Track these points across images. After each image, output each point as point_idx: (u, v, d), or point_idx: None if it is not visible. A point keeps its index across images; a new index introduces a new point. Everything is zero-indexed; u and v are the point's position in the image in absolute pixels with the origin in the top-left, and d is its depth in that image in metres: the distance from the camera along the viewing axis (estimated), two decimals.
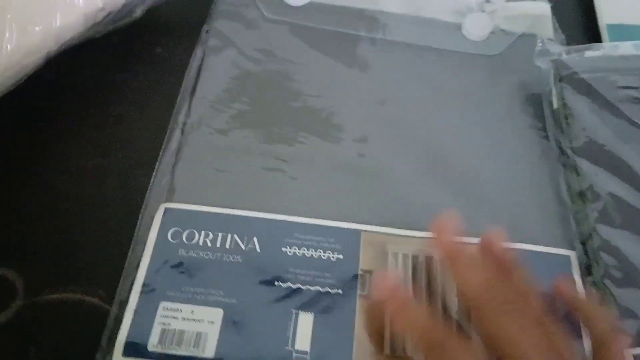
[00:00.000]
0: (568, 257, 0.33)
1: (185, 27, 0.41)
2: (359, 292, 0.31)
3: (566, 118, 0.36)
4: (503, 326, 0.24)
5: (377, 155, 0.36)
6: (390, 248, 0.32)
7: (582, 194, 0.34)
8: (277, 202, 0.33)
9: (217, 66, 0.39)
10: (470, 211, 0.33)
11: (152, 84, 0.39)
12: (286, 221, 0.33)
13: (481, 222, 0.33)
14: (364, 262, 0.32)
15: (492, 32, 0.41)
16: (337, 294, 0.31)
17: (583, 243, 0.33)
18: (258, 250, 0.32)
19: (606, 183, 0.34)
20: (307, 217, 0.33)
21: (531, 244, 0.33)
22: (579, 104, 0.36)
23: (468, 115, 0.38)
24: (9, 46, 0.31)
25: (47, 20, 0.33)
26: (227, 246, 0.32)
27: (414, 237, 0.33)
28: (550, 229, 0.34)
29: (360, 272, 0.31)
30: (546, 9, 0.42)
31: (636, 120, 0.36)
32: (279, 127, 0.36)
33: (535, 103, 0.39)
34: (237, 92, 0.37)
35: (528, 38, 0.41)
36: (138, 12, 0.38)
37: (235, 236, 0.32)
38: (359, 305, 0.30)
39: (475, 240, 0.28)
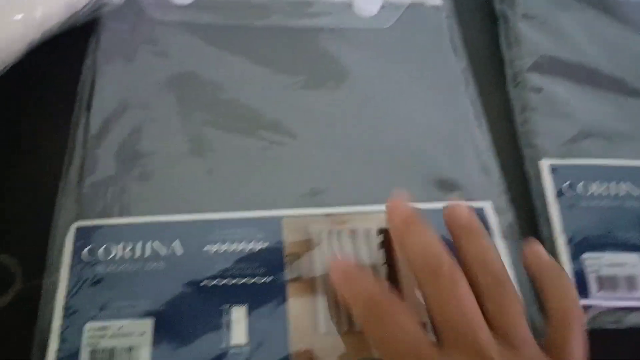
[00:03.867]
0: (482, 209, 0.34)
1: None
2: (287, 277, 0.31)
3: None
4: (445, 294, 0.25)
5: (290, 140, 0.36)
6: (311, 228, 0.32)
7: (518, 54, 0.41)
8: (195, 202, 0.33)
9: (110, 76, 0.37)
10: (385, 180, 0.34)
11: None
12: (206, 220, 0.32)
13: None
14: (289, 246, 0.32)
15: (382, 7, 0.42)
16: (266, 282, 0.31)
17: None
18: (179, 253, 0.31)
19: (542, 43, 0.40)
20: (226, 212, 0.33)
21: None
22: None
23: (376, 92, 0.39)
24: None
25: (28, 9, 0.33)
26: (147, 254, 0.31)
27: (333, 214, 0.33)
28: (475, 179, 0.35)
29: (286, 257, 0.31)
30: None
31: None
32: (184, 126, 0.36)
33: (437, 68, 0.40)
34: (136, 99, 0.36)
35: (416, 8, 0.42)
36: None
37: (155, 243, 0.31)
38: (290, 290, 0.31)
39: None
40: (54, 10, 0.34)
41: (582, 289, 0.31)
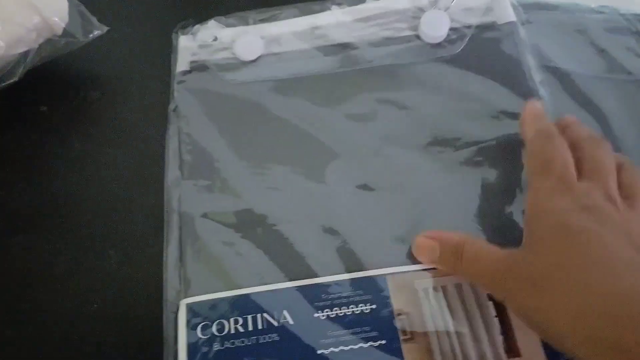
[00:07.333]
0: None
1: (68, 84, 0.42)
2: (401, 337, 0.31)
3: None
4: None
5: (381, 196, 0.36)
6: (417, 285, 0.32)
7: None
8: (295, 267, 0.33)
9: (196, 145, 0.38)
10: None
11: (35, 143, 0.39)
12: (311, 284, 0.33)
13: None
14: (396, 304, 0.32)
15: (451, 29, 0.41)
16: (381, 345, 0.31)
17: None
18: (291, 322, 0.32)
19: None
20: (329, 274, 0.33)
21: None
22: None
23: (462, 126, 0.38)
24: None
25: None
26: (260, 327, 0.32)
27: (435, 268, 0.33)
28: None
29: (396, 317, 0.32)
30: None
31: None
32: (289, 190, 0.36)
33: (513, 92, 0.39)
34: (221, 163, 0.37)
35: (486, 28, 0.41)
36: (17, 75, 0.38)
37: (265, 314, 0.32)
38: (405, 351, 0.31)
39: None
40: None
41: None
